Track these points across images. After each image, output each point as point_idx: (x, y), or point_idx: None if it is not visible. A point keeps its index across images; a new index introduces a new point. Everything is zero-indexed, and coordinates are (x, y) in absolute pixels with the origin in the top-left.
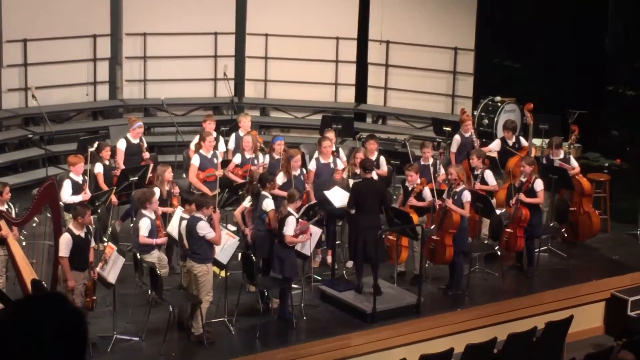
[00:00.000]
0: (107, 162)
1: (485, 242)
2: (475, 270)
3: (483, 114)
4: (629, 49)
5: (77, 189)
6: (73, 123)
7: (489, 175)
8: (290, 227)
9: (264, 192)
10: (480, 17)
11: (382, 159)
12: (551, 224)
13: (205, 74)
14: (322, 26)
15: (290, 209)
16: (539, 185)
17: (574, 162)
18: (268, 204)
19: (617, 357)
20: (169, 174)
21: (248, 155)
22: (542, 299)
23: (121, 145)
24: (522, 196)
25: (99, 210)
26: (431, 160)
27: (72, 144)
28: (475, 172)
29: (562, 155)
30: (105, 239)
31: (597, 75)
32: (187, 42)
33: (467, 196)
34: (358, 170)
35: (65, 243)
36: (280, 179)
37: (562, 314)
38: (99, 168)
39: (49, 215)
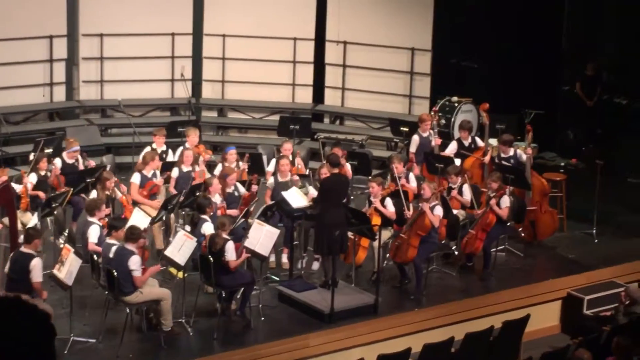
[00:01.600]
0: (42, 173)
1: (442, 241)
2: (432, 269)
3: (440, 114)
4: (584, 49)
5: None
6: (30, 124)
7: (466, 189)
8: (231, 253)
9: (203, 216)
10: (437, 18)
11: (348, 165)
12: (508, 224)
13: (163, 75)
14: (280, 27)
15: (224, 235)
16: (505, 202)
17: (523, 158)
18: (207, 228)
19: (573, 355)
20: (111, 183)
21: (185, 169)
22: (499, 298)
23: (57, 162)
24: (493, 202)
25: (55, 212)
26: (401, 173)
27: (29, 146)
28: (452, 186)
29: (511, 153)
30: (62, 240)
31: (553, 75)
32: (144, 43)
33: (438, 211)
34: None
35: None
36: (217, 199)
37: (518, 313)
38: (32, 178)
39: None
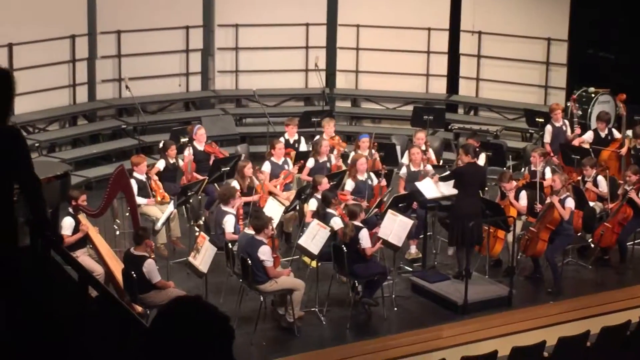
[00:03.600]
0: (171, 161)
1: (578, 234)
2: (568, 262)
3: (577, 104)
4: None
5: (142, 188)
6: (166, 114)
7: (601, 181)
8: (365, 240)
9: (329, 210)
10: (573, 7)
11: (483, 155)
12: None
13: (297, 65)
14: (414, 17)
15: (357, 222)
16: None
17: None
18: (336, 223)
19: None
20: (248, 169)
21: (321, 160)
22: (635, 292)
23: (189, 150)
24: (632, 194)
25: (191, 200)
26: (539, 167)
27: (165, 135)
28: (587, 179)
29: None
30: (197, 229)
31: None
32: (278, 33)
33: (570, 203)
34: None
35: (154, 268)
36: (349, 185)
37: None
38: (160, 164)
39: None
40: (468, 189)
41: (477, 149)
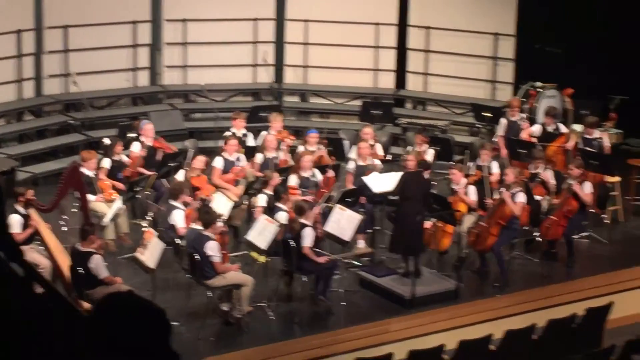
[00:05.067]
0: (116, 158)
1: (525, 228)
2: (514, 256)
3: (524, 100)
4: None
5: (89, 184)
6: (113, 109)
7: (550, 176)
8: (307, 239)
9: (278, 204)
10: (521, 2)
11: (431, 150)
12: (592, 210)
13: (245, 60)
14: (362, 12)
15: (303, 220)
16: (588, 188)
17: (606, 143)
18: (282, 217)
19: None
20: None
21: (269, 155)
22: (582, 285)
23: (136, 146)
24: (577, 187)
25: (138, 195)
26: (486, 162)
27: (112, 130)
28: (535, 172)
29: (596, 135)
30: (144, 225)
31: (639, 59)
32: (227, 28)
33: (521, 198)
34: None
35: (101, 264)
36: (293, 180)
37: (602, 300)
38: (106, 163)
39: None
40: (409, 194)
41: (427, 144)
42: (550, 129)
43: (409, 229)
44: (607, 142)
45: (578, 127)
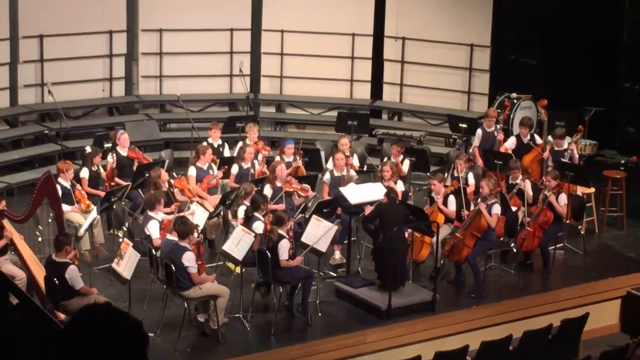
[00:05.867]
0: (94, 169)
1: (501, 239)
2: (490, 267)
3: (499, 110)
4: None
5: (66, 195)
6: (89, 119)
7: (527, 185)
8: (283, 252)
9: (256, 214)
10: (496, 14)
11: (407, 161)
12: (567, 222)
13: (221, 70)
14: (338, 22)
15: (281, 231)
16: (563, 199)
17: (575, 155)
18: (257, 227)
19: (633, 354)
20: (164, 175)
21: (245, 166)
22: (557, 297)
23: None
24: (552, 198)
25: (114, 206)
26: (463, 172)
27: (88, 140)
28: (512, 182)
29: (565, 146)
30: (120, 235)
31: (614, 71)
32: (203, 38)
33: (497, 209)
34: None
35: (77, 275)
36: (267, 191)
37: (577, 311)
38: (84, 173)
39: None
40: (389, 225)
41: (402, 154)
42: (525, 140)
43: (392, 261)
44: (576, 154)
45: (552, 139)
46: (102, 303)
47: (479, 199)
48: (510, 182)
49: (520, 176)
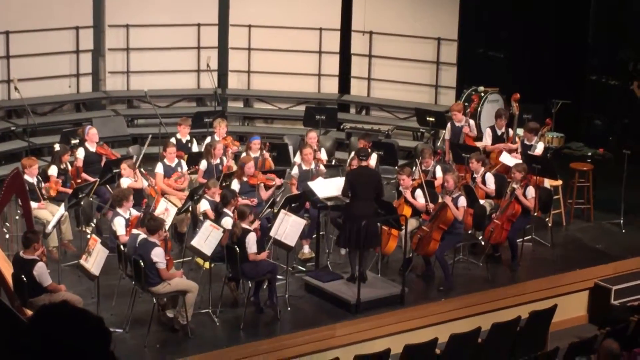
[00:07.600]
0: (62, 166)
1: (469, 232)
2: (458, 260)
3: (466, 104)
4: (611, 38)
5: (32, 191)
6: (56, 115)
7: (489, 178)
8: (251, 245)
9: (225, 210)
10: (463, 7)
11: (374, 155)
12: (535, 214)
13: (189, 66)
14: (305, 17)
15: (244, 225)
16: (531, 192)
17: (539, 148)
18: (226, 222)
19: (601, 346)
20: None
21: (214, 162)
22: (525, 289)
23: (80, 152)
24: (519, 191)
25: (82, 202)
26: (430, 166)
27: (56, 136)
28: (475, 175)
29: (533, 142)
30: (89, 231)
31: (580, 64)
32: (170, 34)
33: (462, 202)
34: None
35: (45, 271)
36: (235, 186)
37: (545, 303)
38: (53, 170)
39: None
40: (360, 192)
41: (370, 149)
42: (499, 132)
43: (362, 227)
44: (539, 148)
45: (521, 132)
46: (58, 302)
47: (445, 193)
48: (473, 175)
49: (480, 167)
